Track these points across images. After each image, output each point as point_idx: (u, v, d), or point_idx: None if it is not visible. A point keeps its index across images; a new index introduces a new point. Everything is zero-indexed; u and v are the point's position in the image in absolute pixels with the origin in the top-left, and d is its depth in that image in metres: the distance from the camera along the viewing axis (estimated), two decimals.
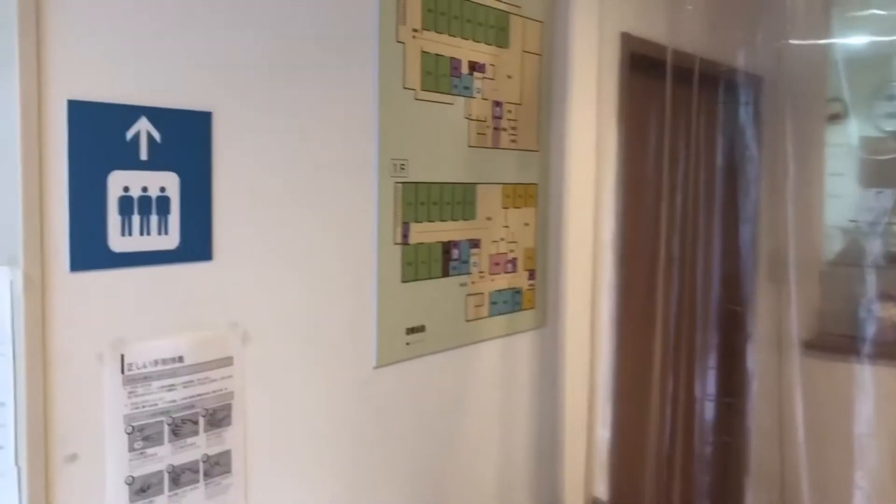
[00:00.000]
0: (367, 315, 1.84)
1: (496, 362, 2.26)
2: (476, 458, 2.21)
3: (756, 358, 3.34)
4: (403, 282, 1.92)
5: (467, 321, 2.14)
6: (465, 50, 2.06)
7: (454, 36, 2.02)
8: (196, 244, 1.48)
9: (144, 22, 1.38)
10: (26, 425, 1.25)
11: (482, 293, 2.18)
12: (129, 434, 1.38)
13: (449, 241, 2.05)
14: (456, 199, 2.07)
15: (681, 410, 2.96)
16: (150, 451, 1.41)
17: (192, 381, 1.47)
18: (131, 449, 1.39)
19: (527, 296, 2.35)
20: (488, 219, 2.18)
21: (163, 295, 1.43)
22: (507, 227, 2.25)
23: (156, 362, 1.42)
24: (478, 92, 2.11)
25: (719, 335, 3.26)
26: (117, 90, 1.35)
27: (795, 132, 3.20)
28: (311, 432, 1.73)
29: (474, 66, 2.09)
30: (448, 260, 2.05)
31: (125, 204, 1.36)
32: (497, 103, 2.18)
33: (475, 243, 2.14)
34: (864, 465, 2.99)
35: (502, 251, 2.24)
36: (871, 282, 3.27)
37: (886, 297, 3.31)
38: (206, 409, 1.50)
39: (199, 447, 1.49)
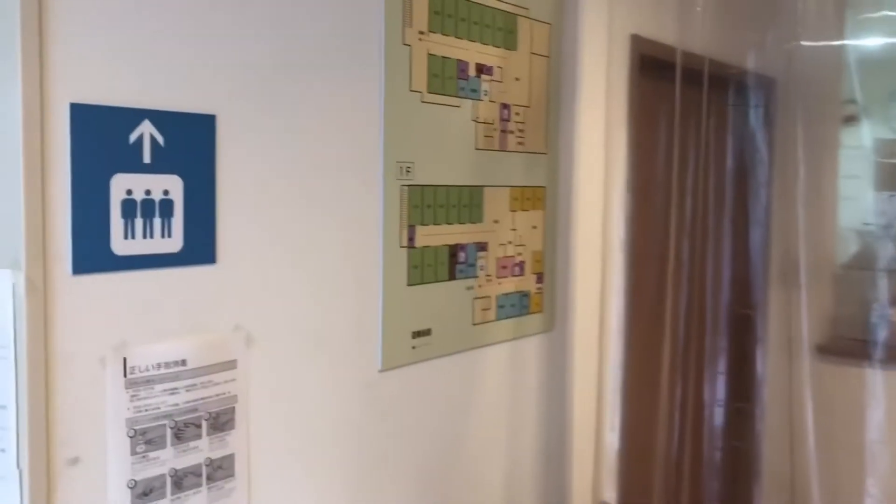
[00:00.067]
0: (372, 318, 1.84)
1: (503, 366, 2.25)
2: (483, 463, 2.20)
3: (767, 362, 3.31)
4: (409, 285, 1.92)
5: (474, 325, 2.13)
6: (473, 52, 2.05)
7: (461, 38, 2.01)
8: (199, 247, 1.47)
9: (148, 25, 1.38)
10: (28, 428, 1.25)
11: (489, 296, 2.17)
12: (131, 437, 1.38)
13: (455, 245, 2.05)
14: (463, 202, 2.06)
15: (690, 415, 2.94)
16: (152, 454, 1.41)
17: (195, 385, 1.47)
18: (133, 452, 1.38)
19: (535, 299, 2.34)
20: (496, 221, 2.17)
21: (166, 298, 1.43)
22: (514, 229, 2.24)
23: (158, 366, 1.42)
24: (485, 94, 2.10)
25: (729, 339, 3.24)
26: (120, 93, 1.34)
27: (808, 134, 3.17)
28: (315, 436, 1.72)
29: (482, 69, 2.08)
30: (455, 263, 2.05)
31: (128, 207, 1.36)
32: (505, 106, 2.17)
33: (482, 246, 2.13)
34: (875, 472, 2.96)
35: (510, 254, 2.23)
36: (885, 286, 3.24)
37: None
38: (210, 413, 1.50)
39: (202, 451, 1.49)
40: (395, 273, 1.88)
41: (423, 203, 1.94)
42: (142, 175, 1.38)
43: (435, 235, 1.98)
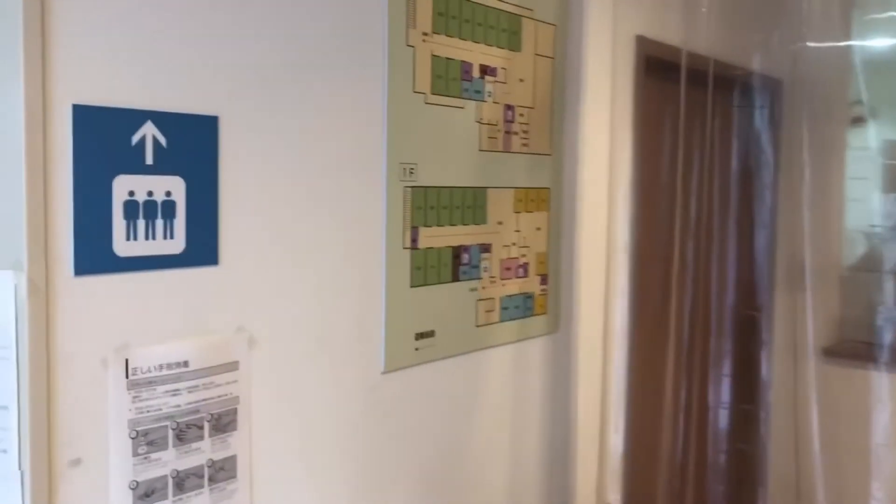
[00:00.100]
0: (375, 320, 1.83)
1: (507, 368, 2.24)
2: (486, 466, 2.20)
3: (772, 365, 3.30)
4: (412, 287, 1.91)
5: (478, 326, 2.12)
6: (477, 53, 2.05)
7: (465, 39, 2.01)
8: (202, 248, 1.47)
9: (150, 26, 1.38)
10: (30, 429, 1.25)
11: (493, 298, 2.16)
12: (133, 439, 1.38)
13: (459, 246, 2.04)
14: (466, 204, 2.05)
15: (694, 417, 2.93)
16: (154, 455, 1.41)
17: (197, 386, 1.47)
18: (135, 454, 1.38)
19: (539, 301, 2.33)
20: (499, 223, 2.17)
21: (168, 299, 1.43)
22: (518, 231, 2.23)
23: (160, 367, 1.42)
24: (489, 96, 2.10)
25: (734, 341, 3.22)
26: (122, 94, 1.34)
27: (814, 136, 3.15)
28: (317, 438, 1.72)
29: (486, 70, 2.08)
30: (458, 265, 2.04)
31: (130, 208, 1.36)
32: (509, 107, 2.17)
33: (486, 248, 2.13)
34: (880, 476, 2.94)
35: (514, 256, 2.23)
36: (892, 288, 3.22)
37: None
38: (212, 414, 1.49)
39: (204, 452, 1.49)
40: (398, 274, 1.87)
41: (427, 204, 1.94)
42: (144, 176, 1.38)
43: (438, 237, 1.98)
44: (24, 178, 1.22)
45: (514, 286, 2.23)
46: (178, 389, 1.44)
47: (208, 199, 1.48)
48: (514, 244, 2.22)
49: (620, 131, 2.54)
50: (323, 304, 1.71)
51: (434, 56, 1.93)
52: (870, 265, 3.43)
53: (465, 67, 2.02)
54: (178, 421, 1.44)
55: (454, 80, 1.99)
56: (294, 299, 1.65)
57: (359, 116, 1.77)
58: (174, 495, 1.44)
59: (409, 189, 1.89)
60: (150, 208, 1.39)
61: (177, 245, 1.43)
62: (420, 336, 1.95)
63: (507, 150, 2.17)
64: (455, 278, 2.04)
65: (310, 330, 1.68)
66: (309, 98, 1.65)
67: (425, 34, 1.90)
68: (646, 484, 2.76)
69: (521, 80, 2.20)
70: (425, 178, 1.93)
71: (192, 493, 1.47)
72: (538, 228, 2.31)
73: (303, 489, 1.70)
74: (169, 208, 1.41)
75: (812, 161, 3.13)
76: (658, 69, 2.69)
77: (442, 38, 1.94)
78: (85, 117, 1.29)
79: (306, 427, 1.69)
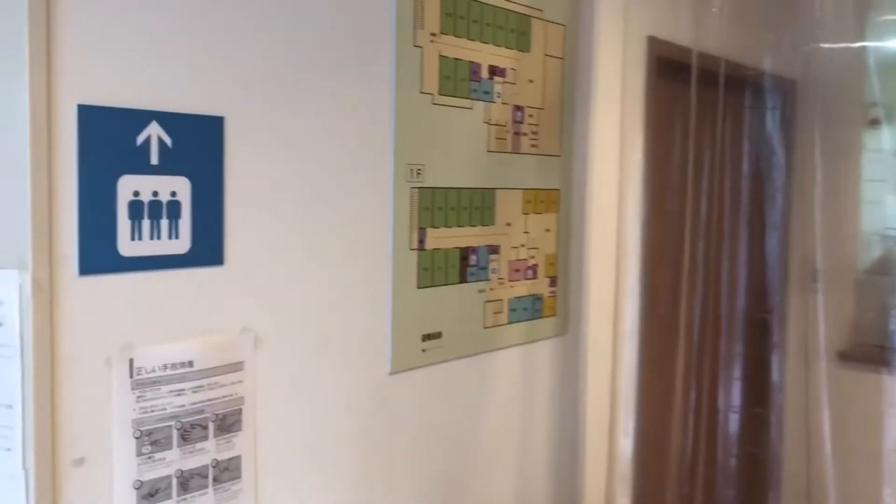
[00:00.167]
0: (381, 321, 1.83)
1: (515, 370, 2.24)
2: (494, 468, 2.19)
3: (784, 368, 3.27)
4: (419, 288, 1.91)
5: (485, 328, 2.11)
6: (485, 54, 2.04)
7: (473, 40, 2.00)
8: (207, 248, 1.47)
9: (155, 26, 1.38)
10: (34, 429, 1.25)
11: (501, 300, 2.15)
12: (137, 438, 1.38)
13: (467, 247, 2.03)
14: (474, 205, 2.05)
15: (705, 420, 2.91)
16: (158, 455, 1.41)
17: (201, 386, 1.47)
18: (139, 453, 1.39)
19: (548, 303, 2.32)
20: (508, 224, 2.16)
21: (173, 299, 1.43)
22: (527, 232, 2.22)
23: (165, 367, 1.42)
24: (498, 96, 2.09)
25: (745, 344, 3.20)
26: (128, 95, 1.35)
27: (827, 137, 3.13)
28: (323, 439, 1.72)
29: (494, 71, 2.07)
30: (466, 266, 2.03)
31: (135, 208, 1.36)
32: (518, 108, 2.16)
33: (494, 249, 2.12)
34: (892, 481, 2.91)
35: (522, 257, 2.22)
36: None
37: None
38: (216, 414, 1.49)
39: (208, 452, 1.49)
40: (406, 275, 1.87)
41: (434, 205, 1.93)
42: (149, 176, 1.38)
43: (446, 238, 1.97)
44: (29, 178, 1.23)
45: (522, 288, 2.23)
46: (182, 389, 1.44)
47: (214, 199, 1.48)
48: (522, 245, 2.21)
49: (631, 132, 2.53)
50: (329, 304, 1.71)
51: (442, 57, 1.92)
52: (885, 268, 3.40)
53: (474, 68, 2.01)
54: (182, 421, 1.44)
55: (462, 81, 1.98)
56: (300, 300, 1.65)
57: (366, 117, 1.77)
58: (178, 495, 1.44)
59: (417, 190, 1.88)
60: (154, 208, 1.39)
61: (182, 245, 1.43)
62: (427, 337, 1.94)
63: (515, 151, 2.16)
64: (463, 279, 2.03)
65: (316, 331, 1.68)
66: (315, 99, 1.65)
67: (433, 35, 1.89)
68: (655, 488, 2.75)
69: (531, 81, 2.19)
70: (433, 179, 1.92)
71: (197, 493, 1.47)
72: (547, 230, 2.30)
73: (308, 490, 1.70)
74: (174, 208, 1.42)
75: (825, 163, 3.10)
76: (669, 70, 2.67)
77: (450, 39, 1.94)
78: (90, 117, 1.29)
79: (312, 428, 1.69)
